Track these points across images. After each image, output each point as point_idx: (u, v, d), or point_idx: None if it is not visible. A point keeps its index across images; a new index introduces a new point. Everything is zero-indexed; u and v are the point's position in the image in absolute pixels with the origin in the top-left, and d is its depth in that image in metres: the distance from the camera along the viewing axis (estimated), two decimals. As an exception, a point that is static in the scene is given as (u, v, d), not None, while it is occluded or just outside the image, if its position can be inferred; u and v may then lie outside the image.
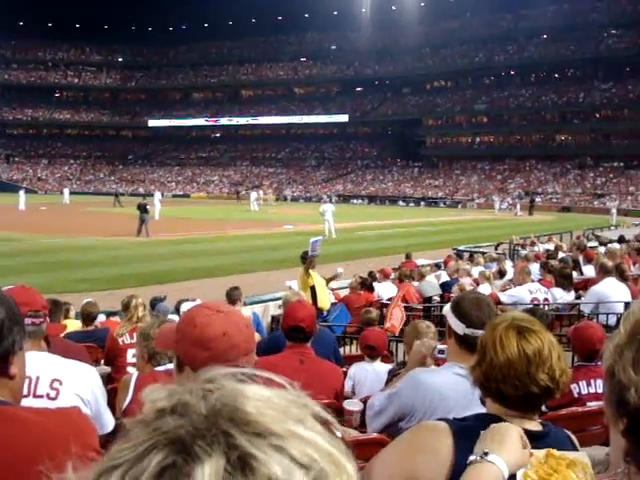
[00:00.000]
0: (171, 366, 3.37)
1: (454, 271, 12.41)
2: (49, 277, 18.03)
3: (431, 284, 11.51)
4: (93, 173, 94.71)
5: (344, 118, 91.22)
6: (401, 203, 69.75)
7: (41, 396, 2.49)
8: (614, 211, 43.67)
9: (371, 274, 13.25)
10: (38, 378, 2.51)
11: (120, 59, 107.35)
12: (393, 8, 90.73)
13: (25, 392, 2.34)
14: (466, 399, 2.60)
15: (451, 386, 2.69)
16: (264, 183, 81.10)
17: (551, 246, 19.56)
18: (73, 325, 9.03)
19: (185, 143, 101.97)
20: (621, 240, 16.96)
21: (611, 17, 76.71)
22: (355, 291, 11.54)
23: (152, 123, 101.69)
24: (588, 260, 11.57)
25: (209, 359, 1.64)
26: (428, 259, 19.99)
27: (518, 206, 56.76)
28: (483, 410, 2.14)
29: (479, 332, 2.55)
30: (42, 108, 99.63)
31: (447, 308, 2.86)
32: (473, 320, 2.67)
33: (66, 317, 9.21)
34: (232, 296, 8.23)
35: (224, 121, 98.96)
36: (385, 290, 11.78)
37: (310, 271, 12.66)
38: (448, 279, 12.26)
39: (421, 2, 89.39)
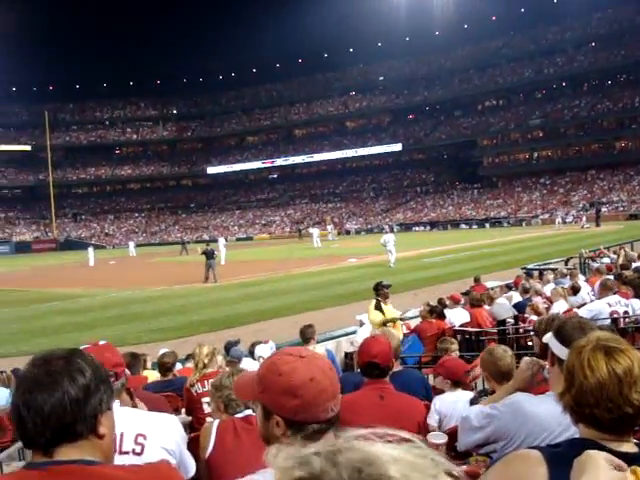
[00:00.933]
0: (249, 412, 3.39)
1: (525, 291, 12.16)
2: (121, 330, 18.39)
3: (504, 306, 11.29)
4: (157, 224, 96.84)
5: (398, 147, 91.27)
6: (463, 226, 69.10)
7: (127, 452, 2.50)
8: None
9: (440, 301, 13.08)
10: (122, 434, 2.52)
11: (175, 111, 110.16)
12: (436, 33, 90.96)
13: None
14: (569, 431, 2.52)
15: (554, 416, 2.60)
16: (325, 218, 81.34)
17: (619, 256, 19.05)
18: (151, 376, 9.16)
19: (244, 187, 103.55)
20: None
21: (659, 17, 75.38)
22: (426, 319, 11.39)
23: (210, 170, 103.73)
24: (663, 268, 11.20)
25: (299, 406, 1.66)
26: (497, 280, 19.67)
27: (584, 218, 55.58)
28: None
29: None
30: (104, 166, 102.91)
31: (549, 335, 2.77)
32: None
33: (144, 368, 9.37)
34: (306, 334, 8.23)
35: (280, 162, 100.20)
36: (457, 316, 11.60)
37: (383, 305, 12.62)
38: (520, 299, 12.02)
39: (464, 24, 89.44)
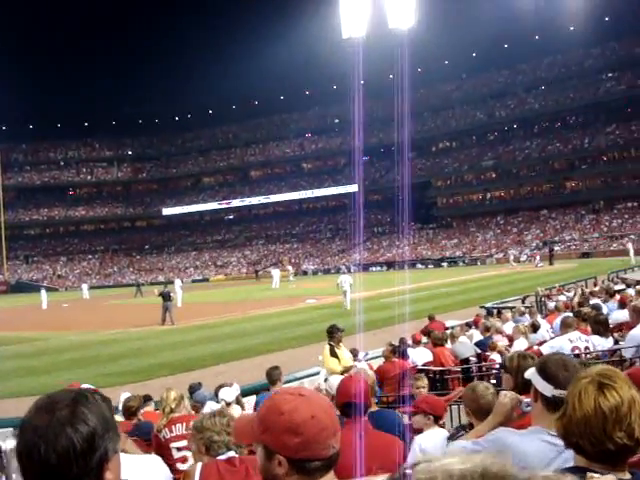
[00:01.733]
0: (231, 454, 3.33)
1: (486, 329, 12.26)
2: (78, 373, 17.99)
3: (466, 345, 11.39)
4: (112, 266, 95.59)
5: (354, 188, 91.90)
6: (420, 266, 69.61)
7: None
8: (632, 252, 43.26)
9: (402, 340, 13.09)
10: None
11: (130, 152, 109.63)
12: (390, 76, 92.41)
13: None
14: (552, 466, 2.54)
15: (537, 451, 2.62)
16: (283, 259, 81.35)
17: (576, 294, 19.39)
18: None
19: (200, 228, 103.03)
20: (649, 281, 16.76)
21: (606, 61, 77.98)
22: (389, 360, 11.37)
23: (166, 211, 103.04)
24: (622, 304, 11.42)
25: (301, 444, 1.67)
26: (456, 319, 19.84)
27: (538, 257, 56.50)
28: None
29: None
30: (57, 206, 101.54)
31: (532, 371, 2.84)
32: (561, 381, 2.65)
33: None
34: (272, 376, 8.17)
35: (236, 202, 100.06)
36: (419, 356, 11.62)
37: (337, 350, 12.55)
38: (481, 338, 12.11)
39: (417, 68, 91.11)
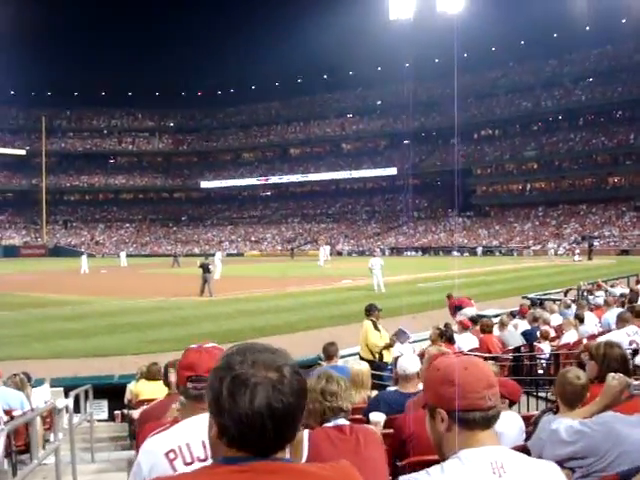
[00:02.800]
0: (341, 421, 3.35)
1: (534, 319, 12.21)
2: (120, 339, 18.33)
3: (513, 333, 11.35)
4: (148, 235, 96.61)
5: (393, 171, 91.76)
6: (455, 253, 69.26)
7: None
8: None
9: (447, 325, 13.08)
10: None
11: (172, 124, 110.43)
12: (436, 60, 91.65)
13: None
14: None
15: None
16: (321, 237, 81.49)
17: (619, 290, 19.18)
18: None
19: (237, 203, 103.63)
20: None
21: (658, 56, 76.42)
22: (435, 343, 11.35)
23: (204, 184, 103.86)
24: (672, 303, 11.30)
25: (458, 393, 1.76)
26: (497, 308, 19.77)
27: (577, 251, 55.92)
28: None
29: None
30: (98, 174, 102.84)
31: None
32: None
33: (157, 378, 9.30)
34: (329, 351, 8.25)
35: (274, 180, 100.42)
36: (466, 341, 11.60)
37: (378, 326, 12.68)
38: (528, 327, 12.06)
39: (464, 53, 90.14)
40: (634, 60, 77.65)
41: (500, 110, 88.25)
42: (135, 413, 8.26)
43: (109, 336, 18.74)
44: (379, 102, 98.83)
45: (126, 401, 10.63)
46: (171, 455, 2.40)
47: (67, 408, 8.19)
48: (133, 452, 8.99)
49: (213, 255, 46.12)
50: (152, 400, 8.30)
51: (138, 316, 22.66)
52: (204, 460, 2.35)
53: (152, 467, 2.41)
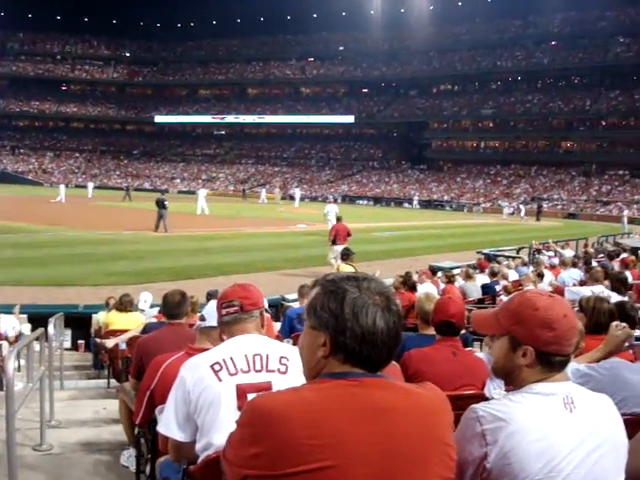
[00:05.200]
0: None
1: (493, 274, 12.59)
2: (79, 269, 18.25)
3: (475, 286, 11.71)
4: (98, 167, 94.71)
5: (350, 119, 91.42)
6: (407, 205, 69.85)
7: (273, 370, 2.72)
8: (625, 219, 43.75)
9: (408, 274, 13.36)
10: (268, 355, 2.75)
11: (128, 54, 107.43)
12: (402, 10, 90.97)
13: (259, 367, 2.71)
14: None
15: None
16: (275, 181, 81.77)
17: (569, 252, 19.80)
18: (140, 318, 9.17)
19: (191, 139, 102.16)
20: (646, 247, 17.13)
21: (619, 26, 77.13)
22: (398, 290, 11.60)
23: (158, 119, 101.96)
24: (625, 266, 11.76)
25: (553, 338, 1.87)
26: (451, 261, 20.23)
27: (523, 211, 57.06)
28: None
29: None
30: (49, 101, 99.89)
31: None
32: None
33: (129, 310, 9.37)
34: (302, 292, 8.48)
35: (230, 119, 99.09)
36: (426, 290, 11.88)
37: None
38: (488, 281, 12.43)
39: (430, 5, 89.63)
40: (597, 27, 78.27)
41: (461, 66, 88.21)
42: (108, 343, 8.35)
43: (67, 266, 18.63)
44: (341, 48, 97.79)
45: (93, 331, 10.69)
46: (216, 367, 2.69)
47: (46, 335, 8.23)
48: (101, 381, 9.14)
49: (167, 191, 45.79)
50: (124, 331, 8.41)
51: (95, 248, 22.52)
52: (247, 372, 2.69)
53: (197, 379, 2.68)
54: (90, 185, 62.42)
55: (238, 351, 2.75)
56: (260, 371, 2.70)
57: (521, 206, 61.06)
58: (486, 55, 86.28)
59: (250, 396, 2.57)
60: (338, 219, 21.08)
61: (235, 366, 2.70)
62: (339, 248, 19.37)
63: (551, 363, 1.89)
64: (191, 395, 2.67)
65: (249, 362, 2.72)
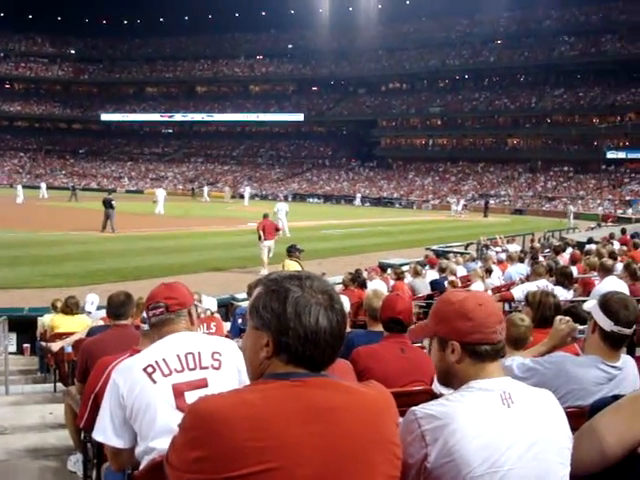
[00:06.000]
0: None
1: (442, 270, 12.70)
2: (24, 271, 17.89)
3: (423, 282, 11.80)
4: (44, 167, 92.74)
5: (300, 117, 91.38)
6: (357, 203, 70.11)
7: (207, 367, 2.74)
8: (571, 215, 44.64)
9: (358, 271, 13.41)
10: (200, 353, 2.76)
11: (73, 51, 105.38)
12: (350, 9, 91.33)
13: (192, 365, 2.72)
14: (602, 392, 2.86)
15: (592, 379, 2.94)
16: (225, 180, 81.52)
17: (514, 247, 20.15)
18: (85, 321, 9.03)
19: (138, 138, 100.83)
20: (590, 242, 17.49)
21: (564, 25, 78.71)
22: (348, 288, 11.64)
23: (105, 117, 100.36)
24: (572, 261, 11.98)
25: (473, 327, 1.90)
26: (399, 257, 20.36)
27: (461, 205, 58.16)
28: None
29: (626, 330, 2.82)
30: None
31: (593, 304, 3.07)
32: (621, 318, 2.91)
33: (75, 312, 9.20)
34: (251, 291, 8.45)
35: (178, 117, 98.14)
36: (376, 287, 11.93)
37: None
38: (437, 277, 12.54)
39: (378, 4, 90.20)
40: (542, 27, 79.71)
41: (409, 64, 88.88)
42: (54, 346, 8.19)
43: (10, 268, 18.22)
44: (290, 46, 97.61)
45: (38, 334, 10.48)
46: (149, 369, 2.67)
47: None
48: (48, 385, 8.96)
49: (115, 191, 45.15)
50: (70, 334, 8.26)
51: (40, 249, 22.08)
52: (181, 371, 2.68)
53: (130, 384, 2.66)
54: (43, 185, 60.60)
55: (169, 351, 2.75)
56: (194, 369, 2.71)
57: (462, 202, 61.75)
58: (434, 54, 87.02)
59: (188, 394, 2.60)
60: (264, 216, 21.28)
61: (168, 366, 2.69)
62: (267, 243, 19.79)
63: (478, 353, 1.91)
64: (126, 400, 2.65)
65: (182, 361, 2.73)
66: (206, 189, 67.73)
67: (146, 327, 3.53)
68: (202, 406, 1.58)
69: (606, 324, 2.93)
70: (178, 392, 2.63)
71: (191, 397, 2.54)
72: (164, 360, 2.70)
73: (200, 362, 2.73)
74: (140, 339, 3.63)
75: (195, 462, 1.51)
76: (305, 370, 1.63)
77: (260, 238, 20.00)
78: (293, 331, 1.61)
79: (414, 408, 1.88)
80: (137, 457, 2.67)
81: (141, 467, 2.60)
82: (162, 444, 2.35)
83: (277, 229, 20.59)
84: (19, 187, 51.69)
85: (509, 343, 3.89)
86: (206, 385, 2.66)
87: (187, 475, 1.53)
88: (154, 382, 2.65)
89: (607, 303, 2.97)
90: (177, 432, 1.62)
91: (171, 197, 68.98)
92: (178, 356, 2.72)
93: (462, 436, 1.77)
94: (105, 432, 2.70)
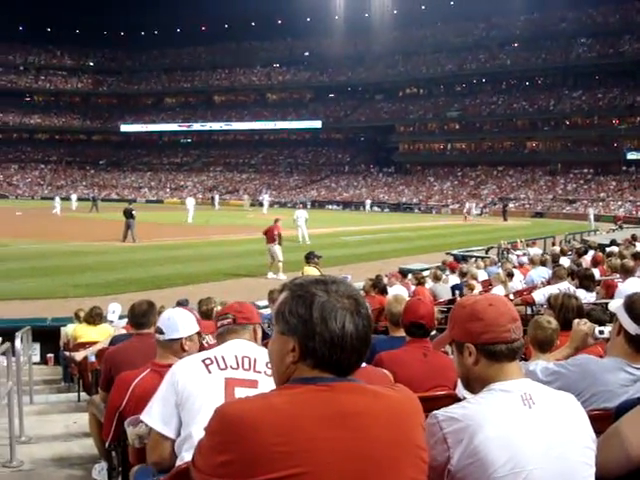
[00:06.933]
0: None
1: (463, 274, 12.66)
2: (46, 282, 18.01)
3: (444, 287, 11.76)
4: (64, 178, 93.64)
5: (317, 124, 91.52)
6: (376, 209, 70.03)
7: (260, 372, 2.86)
8: (592, 217, 44.35)
9: (379, 277, 13.37)
10: (256, 359, 2.90)
11: (92, 63, 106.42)
12: (366, 15, 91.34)
13: (247, 366, 2.87)
14: (628, 394, 2.82)
15: (617, 382, 2.89)
16: (245, 188, 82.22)
17: (535, 250, 19.99)
18: (107, 329, 9.09)
19: (157, 148, 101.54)
20: (612, 243, 17.34)
21: (581, 27, 78.33)
22: (369, 294, 11.61)
23: (124, 128, 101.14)
24: (595, 263, 11.89)
25: (484, 327, 1.92)
26: (420, 263, 20.30)
27: (473, 210, 57.90)
28: None
29: None
30: (12, 112, 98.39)
31: (618, 306, 2.98)
32: None
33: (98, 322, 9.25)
34: (272, 297, 8.54)
35: (197, 126, 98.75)
36: (397, 293, 11.90)
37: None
38: (458, 282, 12.50)
39: (394, 10, 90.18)
40: (558, 29, 79.40)
41: (426, 69, 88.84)
42: (77, 355, 8.25)
43: (34, 279, 18.36)
44: (307, 54, 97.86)
45: (62, 344, 10.55)
46: (207, 361, 2.85)
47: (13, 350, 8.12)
48: (72, 395, 9.01)
49: (135, 201, 45.34)
50: (93, 343, 8.31)
51: (62, 260, 22.26)
52: (236, 369, 2.84)
53: (187, 371, 2.84)
54: (73, 197, 60.90)
55: (228, 351, 2.91)
56: (248, 370, 2.85)
57: (472, 205, 61.39)
58: (450, 58, 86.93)
59: (237, 389, 2.73)
60: (275, 221, 22.53)
61: (225, 362, 2.85)
62: (268, 247, 20.23)
63: (493, 353, 1.92)
64: (180, 386, 2.80)
65: (238, 361, 2.88)
66: (217, 197, 69.33)
67: (161, 337, 3.57)
68: (229, 410, 1.58)
69: (631, 327, 2.88)
70: (229, 385, 2.77)
71: (240, 393, 2.67)
72: (222, 357, 2.87)
73: (255, 366, 2.87)
74: (158, 351, 3.65)
75: (222, 466, 1.51)
76: (331, 375, 1.63)
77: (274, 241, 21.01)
78: (319, 336, 1.61)
79: (435, 412, 1.89)
80: (176, 448, 2.79)
81: (171, 472, 2.62)
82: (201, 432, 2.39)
83: (279, 234, 21.28)
84: (57, 198, 52.37)
85: (535, 346, 3.88)
86: (256, 386, 2.77)
87: (214, 479, 1.53)
88: (209, 372, 2.81)
89: (632, 306, 2.91)
90: (203, 436, 1.62)
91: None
92: (236, 356, 2.89)
93: (484, 437, 1.78)
94: (153, 415, 2.85)
